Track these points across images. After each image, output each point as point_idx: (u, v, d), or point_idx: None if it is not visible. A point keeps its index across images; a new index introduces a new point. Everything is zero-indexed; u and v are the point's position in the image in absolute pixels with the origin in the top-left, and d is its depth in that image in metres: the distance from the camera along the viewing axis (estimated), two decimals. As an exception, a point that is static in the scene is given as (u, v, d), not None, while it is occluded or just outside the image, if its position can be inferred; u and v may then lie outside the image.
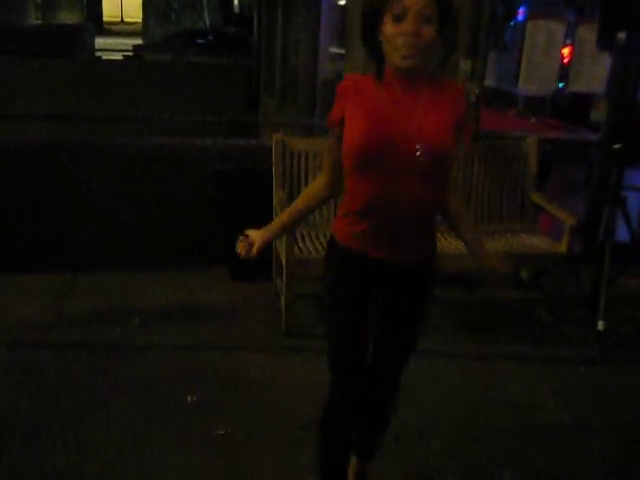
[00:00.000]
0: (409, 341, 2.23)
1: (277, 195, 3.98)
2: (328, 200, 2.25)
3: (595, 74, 4.70)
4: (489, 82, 5.45)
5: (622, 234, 3.99)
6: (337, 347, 2.19)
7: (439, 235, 4.08)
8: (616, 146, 3.89)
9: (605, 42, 3.83)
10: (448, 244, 3.96)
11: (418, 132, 1.84)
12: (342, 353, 2.18)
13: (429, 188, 1.91)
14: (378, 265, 2.03)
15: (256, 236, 2.17)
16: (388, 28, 1.78)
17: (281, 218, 2.26)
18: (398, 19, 1.76)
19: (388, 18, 1.78)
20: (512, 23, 9.18)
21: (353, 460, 2.47)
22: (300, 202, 2.22)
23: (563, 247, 3.98)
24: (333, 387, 2.21)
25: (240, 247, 2.17)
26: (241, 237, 2.19)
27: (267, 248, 2.24)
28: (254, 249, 2.16)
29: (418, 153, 1.83)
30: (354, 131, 1.89)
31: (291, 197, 3.95)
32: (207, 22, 25.81)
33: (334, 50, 9.14)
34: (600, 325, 3.74)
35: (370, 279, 2.09)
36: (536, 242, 4.14)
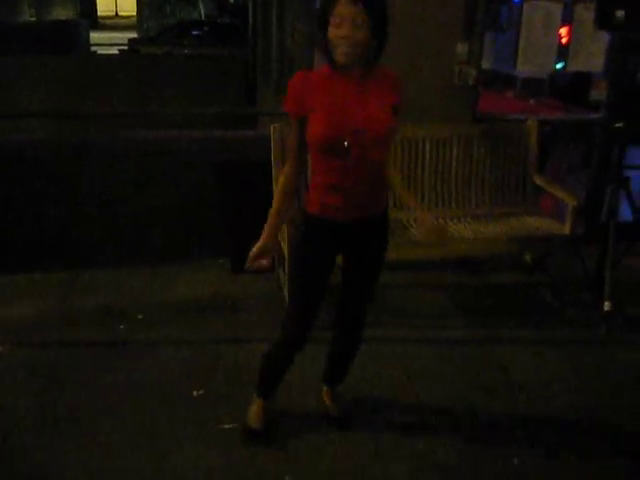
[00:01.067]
0: (373, 281, 2.67)
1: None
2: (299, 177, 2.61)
3: (594, 53, 4.66)
4: (486, 64, 5.41)
5: (624, 213, 3.97)
6: (301, 293, 2.61)
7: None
8: (617, 125, 3.86)
9: (602, 20, 3.79)
10: (453, 230, 3.94)
11: (367, 117, 2.30)
12: (304, 299, 2.59)
13: (381, 155, 2.41)
14: (347, 225, 2.46)
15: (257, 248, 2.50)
16: (332, 31, 2.22)
17: (272, 218, 2.49)
18: (337, 26, 2.20)
19: (331, 24, 2.22)
20: (507, 5, 9.12)
21: (324, 387, 3.00)
22: (282, 188, 2.50)
23: (566, 228, 3.95)
24: (288, 323, 2.64)
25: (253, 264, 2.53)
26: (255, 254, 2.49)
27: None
28: (264, 260, 2.54)
29: (369, 134, 2.29)
30: (317, 125, 2.31)
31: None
32: (202, 13, 25.70)
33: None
34: (606, 306, 3.72)
35: (339, 239, 2.51)
36: (539, 224, 4.11)
